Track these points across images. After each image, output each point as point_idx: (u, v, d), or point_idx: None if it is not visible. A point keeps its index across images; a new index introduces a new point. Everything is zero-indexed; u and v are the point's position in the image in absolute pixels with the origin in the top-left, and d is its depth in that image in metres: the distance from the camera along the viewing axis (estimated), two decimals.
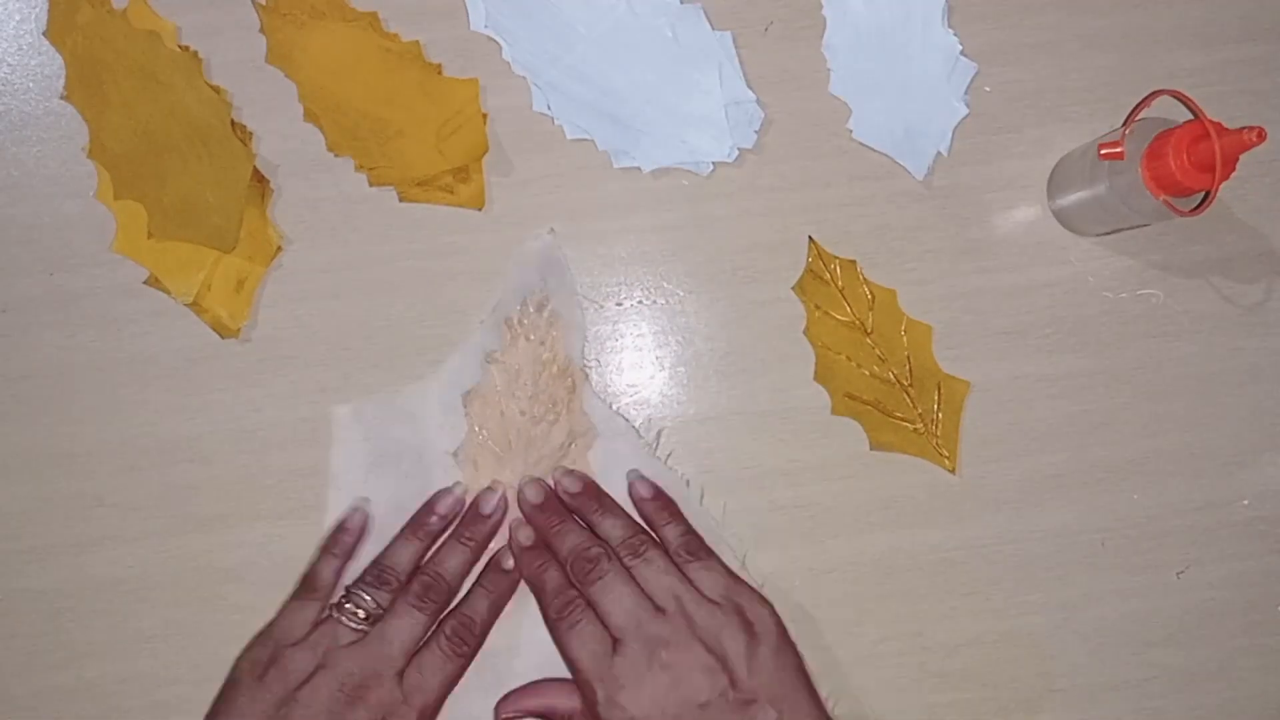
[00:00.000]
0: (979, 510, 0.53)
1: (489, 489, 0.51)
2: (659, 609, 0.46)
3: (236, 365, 0.52)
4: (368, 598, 0.47)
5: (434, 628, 0.48)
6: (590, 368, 0.53)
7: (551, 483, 0.51)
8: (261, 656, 0.46)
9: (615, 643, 0.46)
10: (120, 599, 0.51)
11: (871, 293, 0.54)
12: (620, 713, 0.44)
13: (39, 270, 0.53)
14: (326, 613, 0.48)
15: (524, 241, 0.53)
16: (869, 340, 0.54)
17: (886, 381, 0.53)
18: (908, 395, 0.53)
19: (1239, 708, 0.53)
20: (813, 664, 0.48)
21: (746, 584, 0.48)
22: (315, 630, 0.47)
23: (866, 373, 0.53)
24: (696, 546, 0.49)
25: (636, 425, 0.53)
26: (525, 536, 0.50)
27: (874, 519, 0.53)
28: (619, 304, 0.54)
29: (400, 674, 0.46)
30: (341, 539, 0.50)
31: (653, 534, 0.50)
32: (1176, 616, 0.53)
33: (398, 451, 0.51)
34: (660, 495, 0.51)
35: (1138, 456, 0.54)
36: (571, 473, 0.51)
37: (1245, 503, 0.54)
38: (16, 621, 0.51)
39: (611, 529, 0.49)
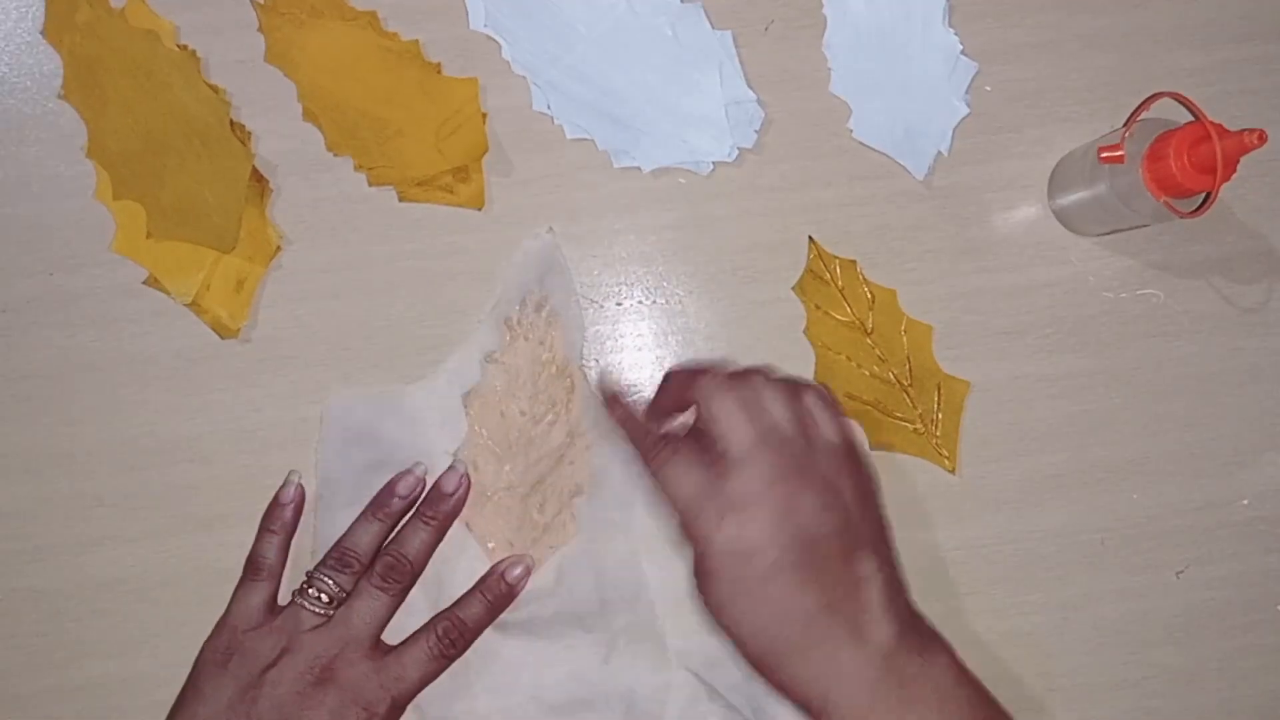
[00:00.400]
0: (979, 510, 0.53)
1: (450, 467, 0.51)
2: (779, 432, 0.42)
3: (236, 365, 0.52)
4: (330, 581, 0.47)
5: (427, 622, 0.48)
6: (589, 367, 0.53)
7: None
8: (221, 644, 0.47)
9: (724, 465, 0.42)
10: (120, 599, 0.51)
11: (871, 293, 0.54)
12: (728, 533, 0.41)
13: (39, 270, 0.53)
14: (291, 599, 0.48)
15: (523, 241, 0.53)
16: (869, 340, 0.54)
17: (886, 381, 0.53)
18: (908, 395, 0.53)
19: (1239, 708, 0.53)
20: None
21: (852, 438, 0.45)
22: (279, 616, 0.47)
23: (866, 373, 0.53)
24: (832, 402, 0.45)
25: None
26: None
27: None
28: (619, 304, 0.54)
29: (370, 652, 0.46)
30: (279, 513, 0.50)
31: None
32: (1176, 616, 0.53)
33: (399, 452, 0.51)
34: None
35: (1138, 456, 0.54)
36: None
37: (1245, 503, 0.54)
38: (16, 621, 0.51)
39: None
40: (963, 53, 0.55)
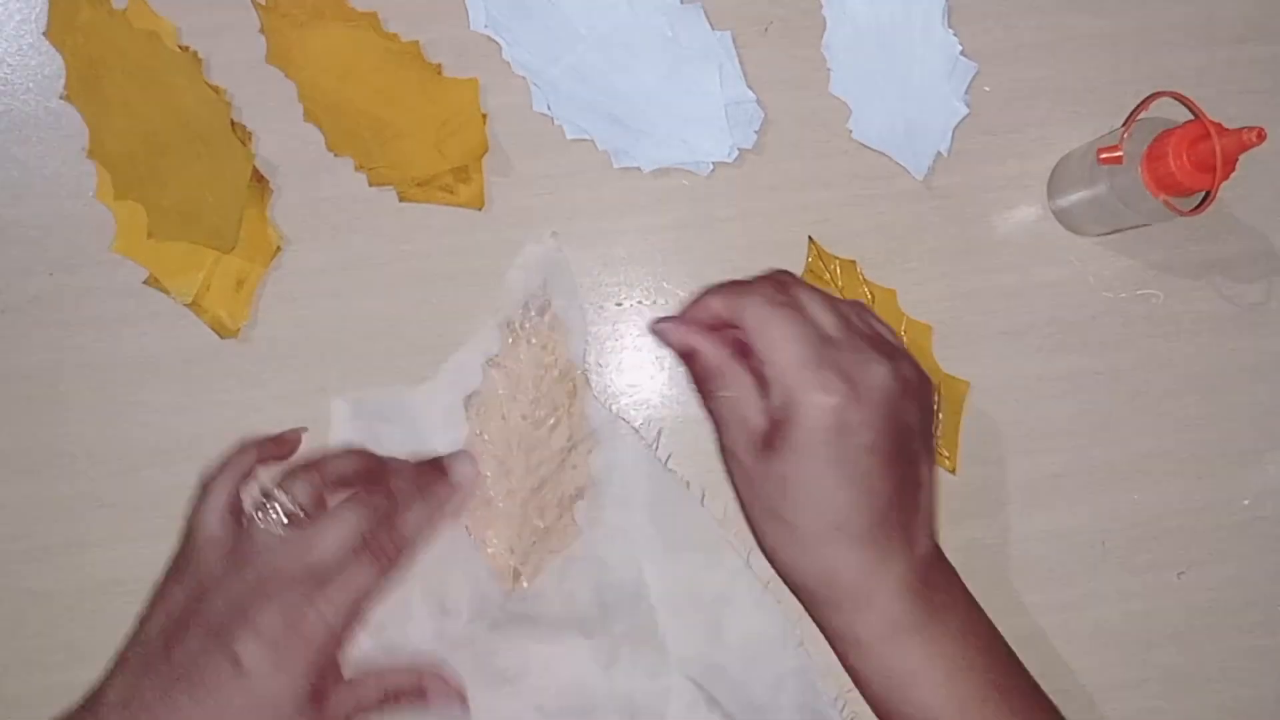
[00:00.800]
0: (979, 510, 0.53)
1: (466, 454, 0.50)
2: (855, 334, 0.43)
3: (236, 365, 0.52)
4: (290, 498, 0.46)
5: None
6: (591, 371, 0.53)
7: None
8: (184, 550, 0.46)
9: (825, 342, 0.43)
10: (120, 599, 0.51)
11: (871, 293, 0.54)
12: (830, 402, 0.40)
13: (39, 270, 0.53)
14: (247, 516, 0.46)
15: (526, 245, 0.53)
16: None
17: None
18: None
19: (1240, 708, 0.53)
20: (813, 663, 0.47)
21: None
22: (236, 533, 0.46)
23: None
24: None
25: (637, 426, 0.53)
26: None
27: None
28: (619, 304, 0.54)
29: (312, 579, 0.44)
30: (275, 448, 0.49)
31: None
32: (1177, 617, 0.53)
33: (395, 452, 0.51)
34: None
35: (1138, 456, 0.54)
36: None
37: (1246, 503, 0.54)
38: (16, 621, 0.51)
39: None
40: (963, 53, 0.55)
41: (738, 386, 0.43)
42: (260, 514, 0.45)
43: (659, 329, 0.45)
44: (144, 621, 0.45)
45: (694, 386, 0.45)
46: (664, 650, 0.50)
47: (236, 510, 0.46)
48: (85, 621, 0.51)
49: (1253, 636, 0.53)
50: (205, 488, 0.47)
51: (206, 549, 0.45)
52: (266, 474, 0.47)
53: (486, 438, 0.51)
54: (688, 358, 0.44)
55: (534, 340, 0.52)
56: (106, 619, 0.51)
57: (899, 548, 0.42)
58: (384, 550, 0.46)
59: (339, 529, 0.45)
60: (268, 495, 0.46)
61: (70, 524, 0.52)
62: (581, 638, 0.50)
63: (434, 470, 0.50)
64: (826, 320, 0.43)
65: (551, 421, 0.52)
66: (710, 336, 0.44)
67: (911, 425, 0.43)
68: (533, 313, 0.52)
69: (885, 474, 0.41)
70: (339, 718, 0.46)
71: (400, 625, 0.49)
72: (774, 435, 0.41)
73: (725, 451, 0.44)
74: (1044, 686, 0.53)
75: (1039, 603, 0.53)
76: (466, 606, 0.50)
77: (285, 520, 0.45)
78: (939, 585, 0.43)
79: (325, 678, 0.45)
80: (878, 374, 0.42)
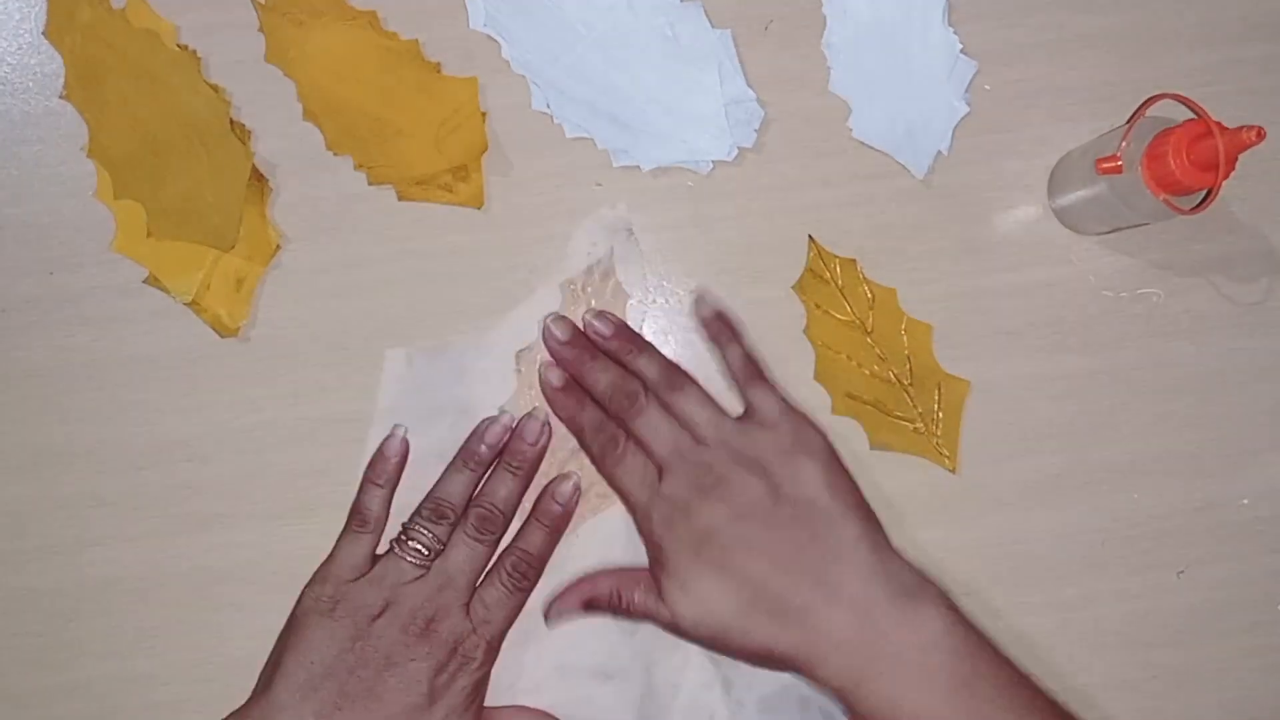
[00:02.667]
0: (979, 510, 0.53)
1: (530, 416, 0.51)
2: (700, 439, 0.48)
3: (236, 365, 0.52)
4: (426, 533, 0.48)
5: (494, 561, 0.49)
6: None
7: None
8: (325, 593, 0.47)
9: (660, 472, 0.48)
10: (120, 599, 0.51)
11: (871, 292, 0.54)
12: (676, 533, 0.46)
13: (39, 270, 0.53)
14: (388, 548, 0.48)
15: (599, 211, 0.53)
16: (869, 340, 0.54)
17: (886, 381, 0.53)
18: (908, 395, 0.53)
19: (1239, 708, 0.53)
20: None
21: (800, 410, 0.49)
22: (377, 565, 0.48)
23: (867, 372, 0.53)
24: (756, 370, 0.50)
25: None
26: (556, 378, 0.51)
27: None
28: None
29: (466, 606, 0.47)
30: (382, 466, 0.50)
31: (688, 374, 0.51)
32: (1177, 616, 0.53)
33: (446, 403, 0.52)
34: (724, 315, 0.52)
35: (1138, 456, 0.54)
36: (602, 314, 0.52)
37: (1245, 503, 0.54)
38: (16, 621, 0.51)
39: (647, 366, 0.50)
40: (963, 52, 0.55)
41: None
42: (406, 548, 0.48)
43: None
44: (293, 642, 0.47)
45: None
46: None
47: (371, 553, 0.49)
48: (85, 621, 0.51)
49: (1253, 636, 0.53)
50: (347, 546, 0.49)
51: (358, 591, 0.47)
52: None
53: (533, 394, 0.52)
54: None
55: (594, 304, 0.52)
56: (106, 619, 0.51)
57: (825, 610, 0.44)
58: (525, 577, 0.49)
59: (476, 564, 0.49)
60: (411, 531, 0.48)
61: (70, 524, 0.52)
62: None
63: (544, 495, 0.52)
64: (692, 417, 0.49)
65: None
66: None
67: (772, 511, 0.46)
68: (595, 277, 0.53)
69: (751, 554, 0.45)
70: None
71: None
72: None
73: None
74: (1044, 686, 0.53)
75: (1039, 603, 0.53)
76: None
77: (429, 554, 0.48)
78: (889, 627, 0.43)
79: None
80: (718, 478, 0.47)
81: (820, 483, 0.46)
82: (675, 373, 0.50)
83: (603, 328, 0.51)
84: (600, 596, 0.48)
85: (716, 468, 0.47)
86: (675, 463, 0.47)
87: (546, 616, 0.50)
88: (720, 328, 0.52)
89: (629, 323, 0.53)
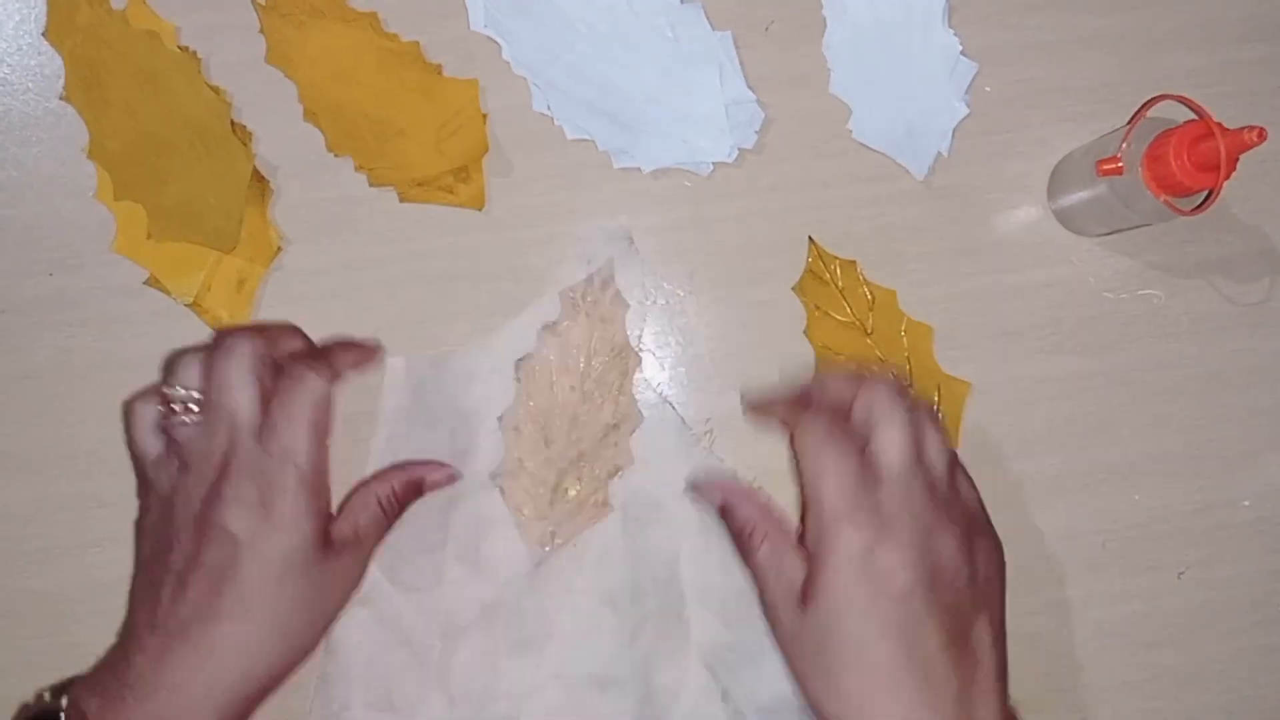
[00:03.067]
0: None
1: (442, 466, 0.50)
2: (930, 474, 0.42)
3: None
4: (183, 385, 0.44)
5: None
6: (645, 352, 0.53)
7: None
8: (140, 484, 0.45)
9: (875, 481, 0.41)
10: (120, 599, 0.51)
11: (871, 293, 0.54)
12: (867, 544, 0.40)
13: (39, 270, 0.53)
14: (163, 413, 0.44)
15: (598, 222, 0.53)
16: (869, 341, 0.54)
17: None
18: None
19: (1241, 709, 0.53)
20: None
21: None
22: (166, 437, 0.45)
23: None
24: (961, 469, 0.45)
25: (686, 419, 0.53)
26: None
27: None
28: None
29: (258, 433, 0.43)
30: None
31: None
32: (1177, 617, 0.53)
33: (444, 409, 0.52)
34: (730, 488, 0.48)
35: (1138, 457, 0.54)
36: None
37: (1246, 503, 0.54)
38: (17, 622, 0.51)
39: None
40: (963, 53, 0.55)
41: (774, 541, 0.43)
42: (174, 412, 0.44)
43: (695, 486, 0.48)
44: (138, 556, 0.45)
45: (732, 543, 0.46)
46: (687, 635, 0.51)
47: (162, 425, 0.45)
48: (85, 621, 0.51)
49: (1253, 636, 0.53)
50: (125, 416, 0.46)
51: (154, 470, 0.44)
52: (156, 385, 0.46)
53: (532, 403, 0.52)
54: (724, 513, 0.46)
55: (593, 314, 0.52)
56: (107, 619, 0.51)
57: (951, 709, 0.39)
58: (295, 367, 0.44)
59: (234, 369, 0.43)
60: (166, 395, 0.44)
61: (70, 524, 0.52)
62: (609, 611, 0.50)
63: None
64: (894, 458, 0.41)
65: (598, 397, 0.52)
66: (744, 493, 0.46)
67: (961, 584, 0.41)
68: (595, 286, 0.53)
69: (928, 625, 0.39)
70: (347, 545, 0.45)
71: (432, 586, 0.50)
72: (808, 585, 0.41)
73: (767, 608, 0.44)
74: (1044, 687, 0.53)
75: (1039, 603, 0.53)
76: (498, 570, 0.51)
77: (195, 406, 0.44)
78: None
79: (319, 516, 0.44)
80: (920, 522, 0.40)
81: (989, 565, 0.43)
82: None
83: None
84: (742, 522, 0.45)
85: (935, 509, 0.41)
86: (900, 478, 0.42)
87: (693, 487, 0.49)
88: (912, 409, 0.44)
89: (628, 328, 0.52)
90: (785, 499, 0.53)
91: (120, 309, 0.52)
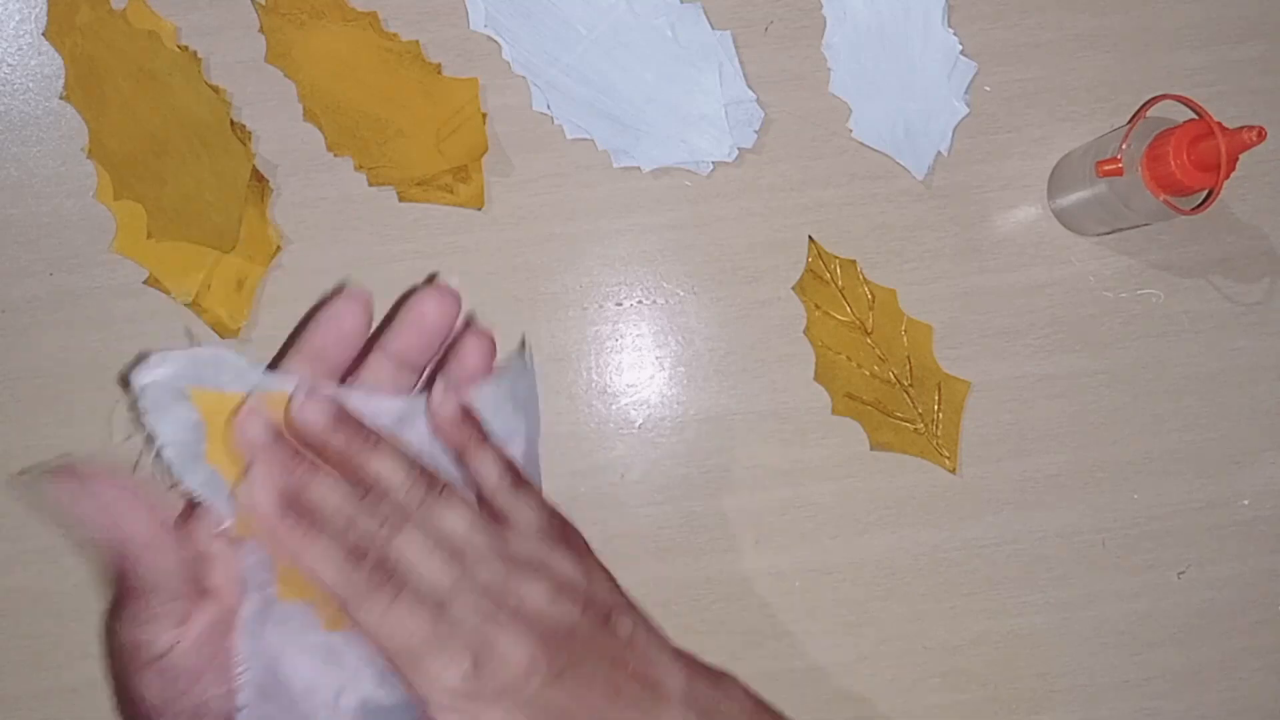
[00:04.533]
0: (979, 510, 0.53)
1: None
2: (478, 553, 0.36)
3: None
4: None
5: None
6: (645, 352, 0.53)
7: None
8: None
9: (439, 607, 0.34)
10: None
11: (871, 293, 0.54)
12: (495, 678, 0.34)
13: (39, 270, 0.53)
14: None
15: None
16: (869, 340, 0.54)
17: (887, 381, 0.53)
18: (908, 395, 0.53)
19: (1240, 708, 0.53)
20: (813, 664, 0.47)
21: (553, 507, 0.40)
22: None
23: (866, 373, 0.53)
24: (517, 475, 0.39)
25: (638, 426, 0.53)
26: (268, 500, 0.34)
27: (874, 519, 0.53)
28: (619, 304, 0.54)
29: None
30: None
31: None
32: (1177, 617, 0.53)
33: None
34: (472, 414, 0.38)
35: (1138, 456, 0.54)
36: (314, 395, 0.35)
37: (1245, 503, 0.54)
38: (17, 622, 0.51)
39: (393, 472, 0.36)
40: (963, 53, 0.55)
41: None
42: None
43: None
44: None
45: None
46: None
47: None
48: (85, 621, 0.51)
49: (1253, 636, 0.53)
50: None
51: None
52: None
53: None
54: None
55: None
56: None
57: (654, 713, 0.37)
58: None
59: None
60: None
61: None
62: None
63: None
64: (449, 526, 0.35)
65: None
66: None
67: (576, 605, 0.37)
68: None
69: (582, 686, 0.36)
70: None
71: None
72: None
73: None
74: (1044, 686, 0.53)
75: (1039, 603, 0.53)
76: None
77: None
78: (709, 705, 0.38)
79: None
80: (519, 578, 0.36)
81: (605, 580, 0.40)
82: (429, 474, 0.37)
83: (316, 416, 0.35)
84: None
85: (510, 582, 0.36)
86: (459, 591, 0.35)
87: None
88: (469, 431, 0.37)
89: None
90: (785, 498, 0.53)
91: (120, 309, 0.52)
